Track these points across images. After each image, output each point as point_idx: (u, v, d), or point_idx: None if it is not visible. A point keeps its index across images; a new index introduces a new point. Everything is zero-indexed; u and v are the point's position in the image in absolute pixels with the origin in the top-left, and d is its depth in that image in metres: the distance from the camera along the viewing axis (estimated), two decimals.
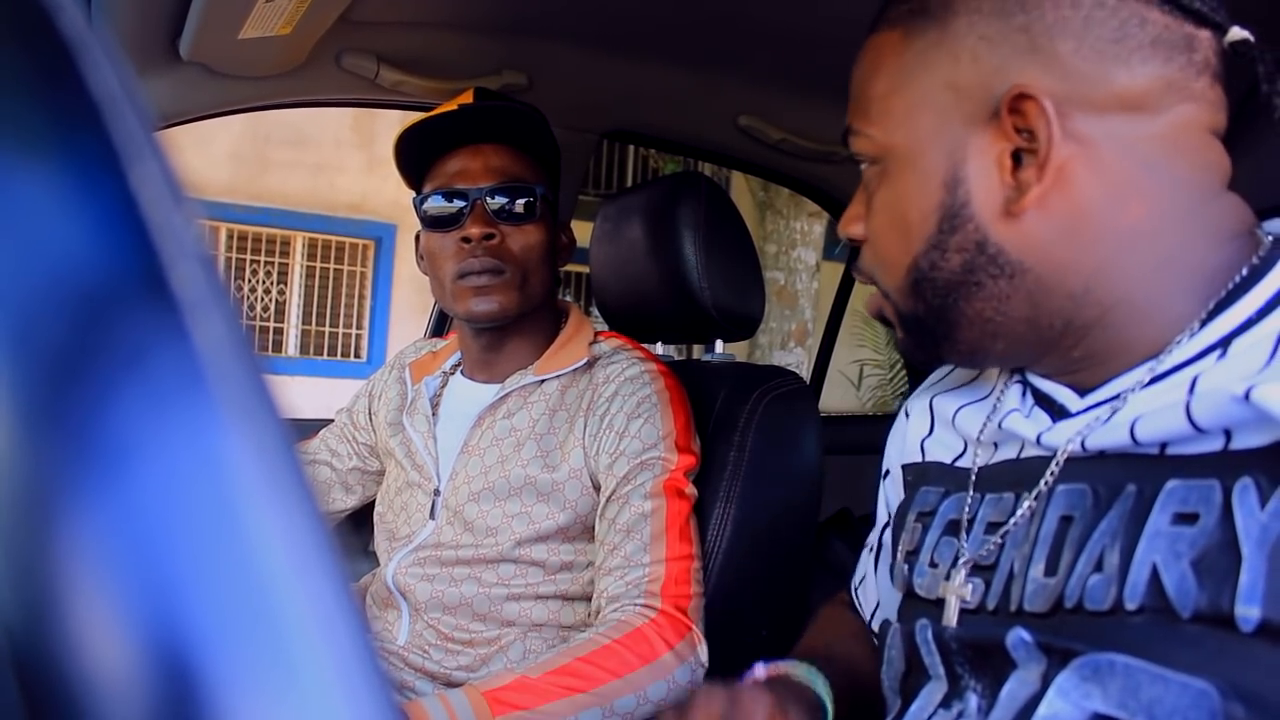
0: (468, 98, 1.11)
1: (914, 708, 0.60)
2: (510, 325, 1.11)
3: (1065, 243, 0.54)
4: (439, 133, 1.09)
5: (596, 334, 1.15)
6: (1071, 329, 0.56)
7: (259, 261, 7.68)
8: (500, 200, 1.08)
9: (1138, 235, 0.53)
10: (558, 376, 1.09)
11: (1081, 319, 0.55)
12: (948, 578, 0.61)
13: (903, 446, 0.75)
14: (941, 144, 0.57)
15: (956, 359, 0.63)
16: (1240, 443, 0.46)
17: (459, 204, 1.08)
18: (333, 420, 1.32)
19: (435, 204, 1.09)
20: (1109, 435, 0.52)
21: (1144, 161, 0.53)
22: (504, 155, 1.09)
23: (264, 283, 7.71)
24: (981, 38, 0.55)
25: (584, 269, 1.35)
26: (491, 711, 0.87)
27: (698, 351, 1.40)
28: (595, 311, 1.42)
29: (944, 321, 0.60)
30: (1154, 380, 0.53)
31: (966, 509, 0.62)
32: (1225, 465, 0.46)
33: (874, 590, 0.81)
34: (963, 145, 0.56)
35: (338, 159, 7.52)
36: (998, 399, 0.64)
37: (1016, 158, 0.55)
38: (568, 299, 1.23)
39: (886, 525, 0.79)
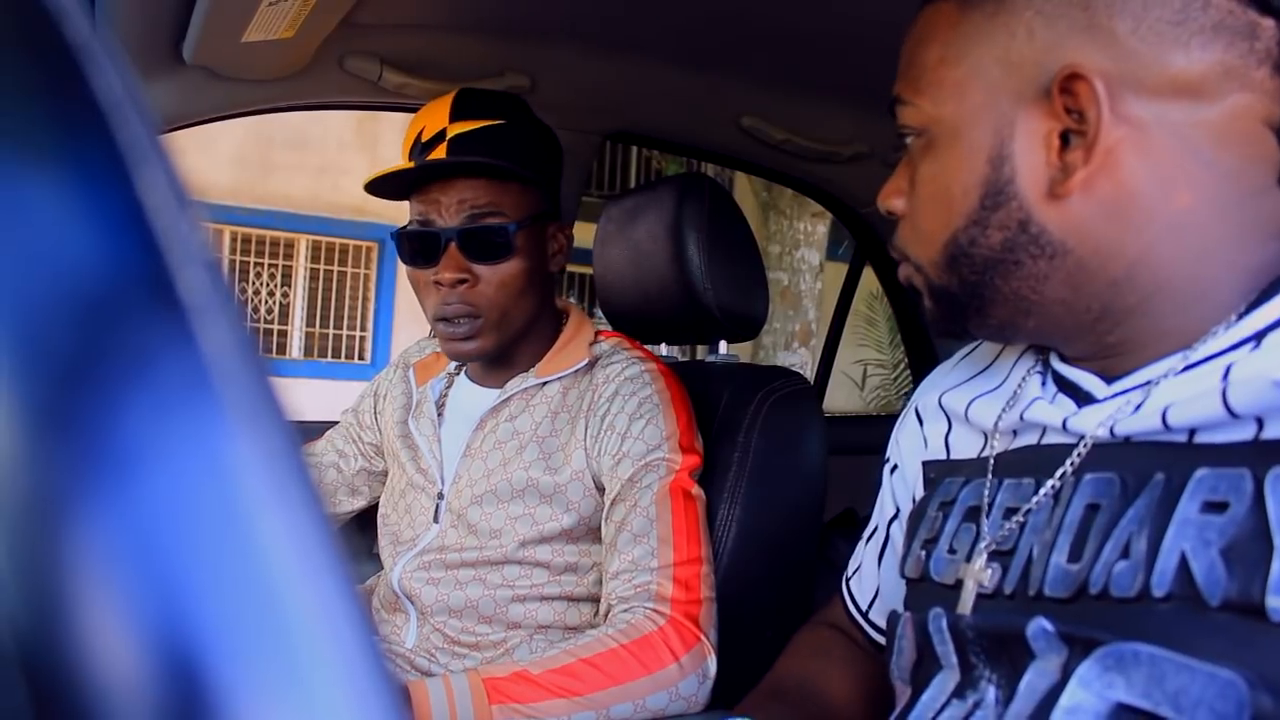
0: (444, 107, 1.05)
1: (925, 698, 0.59)
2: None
3: (1109, 227, 0.54)
4: (403, 181, 1.04)
5: (597, 334, 1.15)
6: (1110, 314, 0.56)
7: (263, 264, 7.69)
8: (472, 240, 1.02)
9: (1182, 224, 0.53)
10: (559, 378, 1.09)
11: (1121, 304, 0.55)
12: (968, 560, 0.60)
13: (918, 444, 0.74)
14: (989, 119, 0.56)
15: (985, 333, 0.63)
16: (1272, 432, 0.46)
17: (431, 243, 1.03)
18: (338, 422, 1.32)
19: (409, 242, 1.05)
20: (1139, 421, 0.52)
21: (1194, 149, 0.52)
22: (478, 188, 1.02)
23: (268, 285, 7.72)
24: (1039, 13, 0.54)
25: (587, 269, 1.35)
26: (489, 699, 0.87)
27: (701, 352, 1.40)
28: (599, 313, 1.42)
29: (977, 297, 0.59)
30: (1186, 368, 0.52)
31: (985, 494, 0.62)
32: (1257, 454, 0.46)
33: (871, 581, 0.81)
34: (1010, 122, 0.56)
35: (341, 161, 7.53)
36: (1016, 389, 0.64)
37: (1065, 138, 0.54)
38: (570, 300, 1.22)
39: (894, 518, 0.79)
